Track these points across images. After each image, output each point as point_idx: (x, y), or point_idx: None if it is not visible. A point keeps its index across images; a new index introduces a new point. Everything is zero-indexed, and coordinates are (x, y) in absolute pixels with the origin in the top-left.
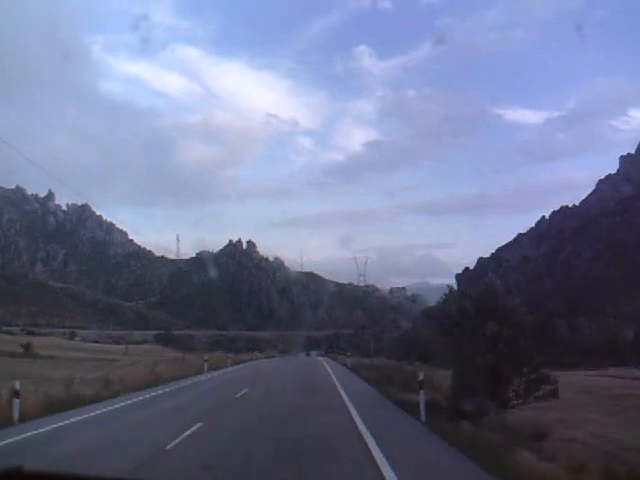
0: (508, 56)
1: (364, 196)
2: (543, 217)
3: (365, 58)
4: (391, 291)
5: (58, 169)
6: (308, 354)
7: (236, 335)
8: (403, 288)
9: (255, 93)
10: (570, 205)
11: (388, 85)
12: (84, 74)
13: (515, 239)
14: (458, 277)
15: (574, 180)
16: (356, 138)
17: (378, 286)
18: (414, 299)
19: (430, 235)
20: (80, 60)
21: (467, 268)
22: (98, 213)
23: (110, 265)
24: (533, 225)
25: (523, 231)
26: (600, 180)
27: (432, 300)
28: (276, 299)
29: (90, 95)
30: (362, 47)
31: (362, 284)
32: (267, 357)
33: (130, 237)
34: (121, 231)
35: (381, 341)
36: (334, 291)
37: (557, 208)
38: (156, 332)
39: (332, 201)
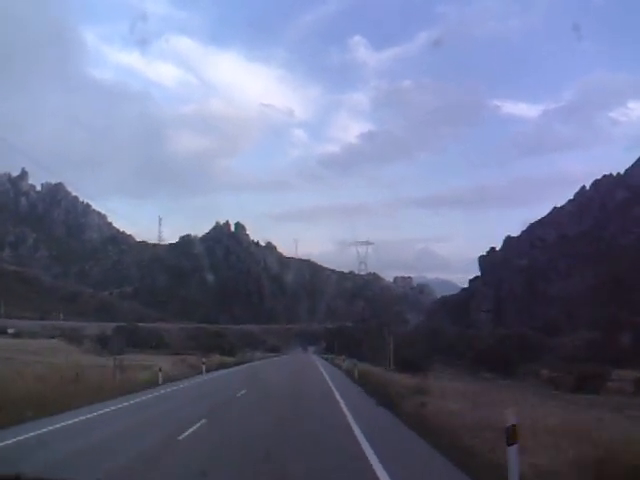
0: (506, 47)
1: (360, 189)
2: (583, 187)
3: (360, 49)
4: (395, 280)
5: (40, 152)
6: (306, 350)
7: (219, 329)
8: (409, 277)
9: (249, 84)
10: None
11: (383, 76)
12: (77, 61)
13: (550, 213)
14: (482, 260)
15: (573, 173)
16: (351, 129)
17: (381, 275)
18: (421, 289)
19: (427, 229)
20: (74, 48)
21: (493, 249)
22: (74, 194)
23: (84, 250)
24: (571, 197)
25: (559, 204)
26: None
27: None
28: (267, 288)
29: (82, 82)
30: (357, 38)
31: (363, 272)
32: (258, 359)
33: (109, 220)
34: (99, 214)
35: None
36: (332, 280)
37: (599, 177)
38: (116, 325)
39: (328, 194)
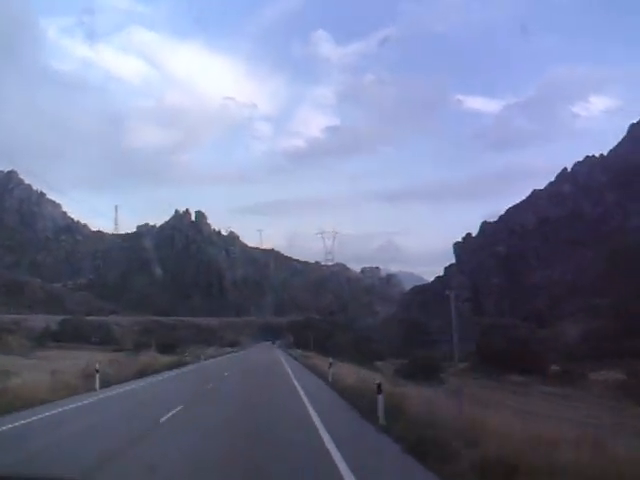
0: (468, 42)
1: (325, 182)
2: (565, 169)
3: (323, 43)
4: (363, 271)
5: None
6: (271, 343)
7: (175, 322)
8: (377, 268)
9: (212, 77)
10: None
11: (347, 70)
12: (35, 52)
13: (529, 198)
14: (457, 247)
15: (535, 167)
16: (316, 123)
17: (348, 265)
18: (388, 280)
19: (390, 222)
20: (32, 40)
21: (469, 235)
22: (27, 182)
23: (38, 240)
24: (553, 179)
25: (539, 187)
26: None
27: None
28: (229, 279)
29: (40, 73)
30: (320, 32)
31: (330, 263)
32: (210, 357)
33: (64, 210)
34: (53, 202)
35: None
36: (298, 270)
37: (581, 158)
38: (62, 318)
39: (292, 187)
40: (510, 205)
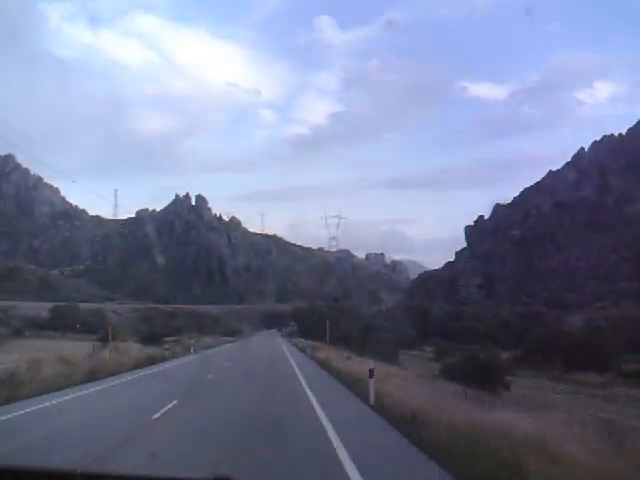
0: (473, 27)
1: (329, 169)
2: (582, 149)
3: (327, 29)
4: (368, 257)
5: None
6: (279, 330)
7: (174, 310)
8: (381, 254)
9: (215, 63)
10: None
11: (351, 56)
12: (37, 38)
13: (545, 179)
14: (468, 230)
15: (539, 153)
16: (320, 110)
17: (353, 252)
18: (394, 267)
19: (394, 210)
20: (34, 25)
21: (481, 217)
22: (24, 166)
23: (34, 226)
24: (569, 159)
25: (555, 168)
26: None
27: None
28: (231, 265)
29: (43, 59)
30: (324, 18)
31: (334, 249)
32: (202, 349)
33: (62, 194)
34: (51, 187)
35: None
36: (301, 257)
37: (598, 138)
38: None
39: (296, 174)
40: (524, 187)
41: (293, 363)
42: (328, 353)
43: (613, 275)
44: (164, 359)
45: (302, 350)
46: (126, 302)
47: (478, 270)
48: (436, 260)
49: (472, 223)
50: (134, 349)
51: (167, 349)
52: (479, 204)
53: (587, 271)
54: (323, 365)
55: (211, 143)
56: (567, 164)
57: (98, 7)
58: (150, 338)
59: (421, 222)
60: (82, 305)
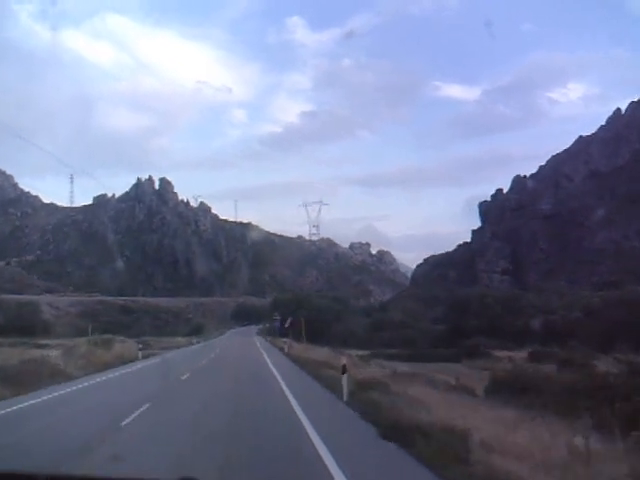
0: (444, 27)
1: (302, 168)
2: (618, 110)
3: (299, 29)
4: (352, 247)
5: None
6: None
7: (126, 303)
8: (367, 244)
9: (187, 63)
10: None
11: (323, 56)
12: (7, 35)
13: (576, 144)
14: (483, 207)
15: (512, 153)
16: (292, 109)
17: (336, 240)
18: (381, 257)
19: (368, 207)
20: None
21: (500, 190)
22: None
23: None
24: (603, 123)
25: (586, 133)
26: None
27: None
28: (199, 255)
29: (11, 55)
30: (295, 18)
31: (315, 238)
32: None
33: (15, 181)
34: (4, 173)
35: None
36: (279, 245)
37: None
38: None
39: (269, 173)
40: (552, 154)
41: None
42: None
43: None
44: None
45: (306, 370)
46: (70, 295)
47: (502, 252)
48: (412, 257)
49: (488, 199)
50: None
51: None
52: (453, 202)
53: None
54: None
55: (183, 142)
56: (601, 128)
57: (70, 8)
58: None
59: (394, 220)
60: (12, 297)
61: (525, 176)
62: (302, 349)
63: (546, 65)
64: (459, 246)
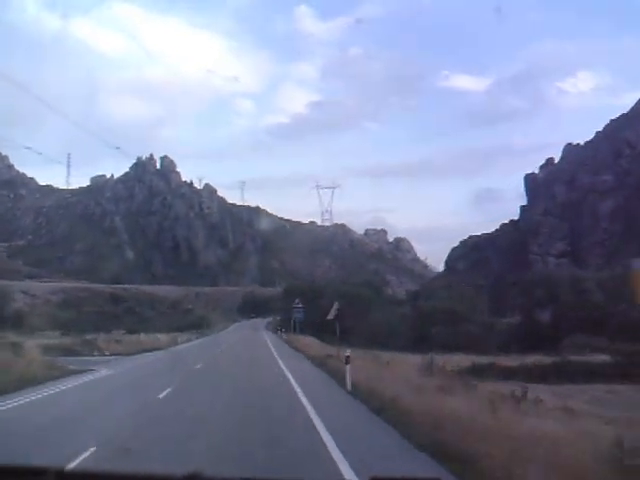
0: (453, 16)
1: (309, 158)
2: None
3: (306, 19)
4: (367, 233)
5: None
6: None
7: (116, 291)
8: (382, 230)
9: (194, 52)
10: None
11: (331, 46)
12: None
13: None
14: (530, 180)
15: (520, 144)
16: (299, 99)
17: (351, 226)
18: (397, 244)
19: (377, 198)
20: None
21: (550, 160)
22: None
23: None
24: None
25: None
26: None
27: None
28: (203, 240)
29: (19, 44)
30: (303, 7)
31: (328, 223)
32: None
33: (11, 162)
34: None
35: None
36: (289, 231)
37: None
38: None
39: (277, 163)
40: (610, 119)
41: None
42: None
43: None
44: None
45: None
46: (51, 280)
47: (560, 232)
48: (423, 249)
49: (536, 171)
50: None
51: None
52: (460, 194)
53: None
54: None
55: (189, 131)
56: None
57: None
58: None
59: (404, 210)
60: None
61: (578, 144)
62: (366, 366)
63: (555, 55)
64: (503, 225)
